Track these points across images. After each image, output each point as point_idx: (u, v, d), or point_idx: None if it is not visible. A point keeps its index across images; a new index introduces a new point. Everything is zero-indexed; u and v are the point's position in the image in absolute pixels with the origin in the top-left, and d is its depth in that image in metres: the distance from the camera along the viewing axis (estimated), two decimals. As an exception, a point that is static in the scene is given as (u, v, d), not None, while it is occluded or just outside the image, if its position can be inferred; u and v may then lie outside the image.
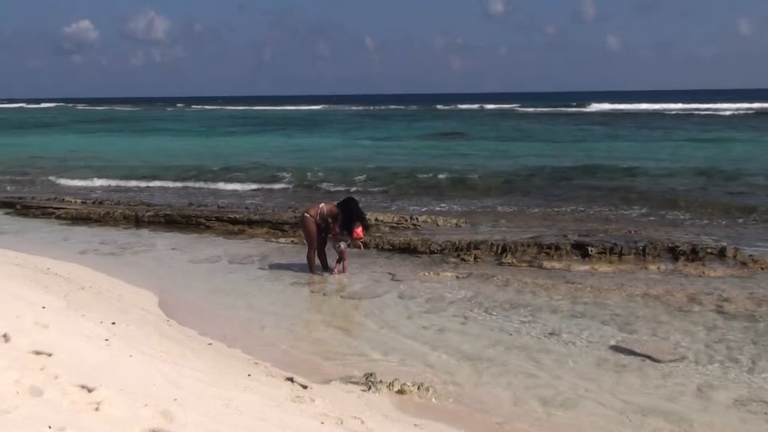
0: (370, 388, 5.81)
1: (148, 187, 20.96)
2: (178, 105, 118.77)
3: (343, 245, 10.10)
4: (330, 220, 10.06)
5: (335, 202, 10.41)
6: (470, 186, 19.08)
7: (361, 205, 10.76)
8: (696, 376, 6.24)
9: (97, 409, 4.30)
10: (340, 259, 10.16)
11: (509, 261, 10.58)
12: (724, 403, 5.70)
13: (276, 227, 13.27)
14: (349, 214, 10.08)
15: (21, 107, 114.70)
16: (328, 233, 10.21)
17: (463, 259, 10.81)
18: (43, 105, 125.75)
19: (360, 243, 10.46)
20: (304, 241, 10.56)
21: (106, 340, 6.26)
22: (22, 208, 16.07)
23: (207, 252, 11.65)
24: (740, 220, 13.70)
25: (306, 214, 10.19)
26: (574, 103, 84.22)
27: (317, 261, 10.26)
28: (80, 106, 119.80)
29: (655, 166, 22.32)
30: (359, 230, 10.08)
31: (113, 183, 21.73)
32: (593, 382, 6.11)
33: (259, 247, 12.04)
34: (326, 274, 10.10)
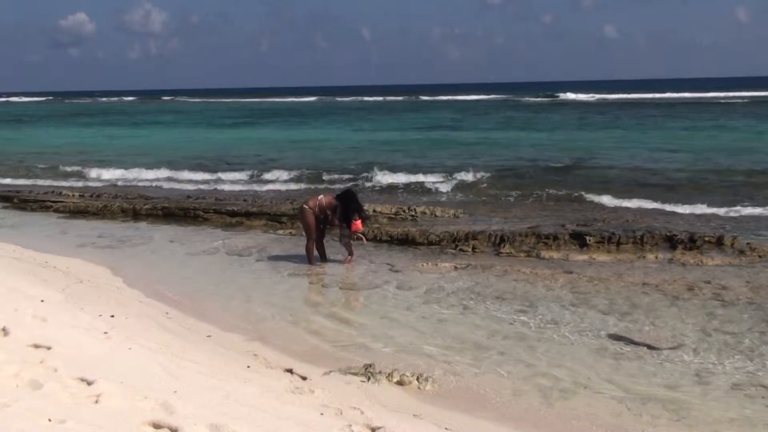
0: (369, 379, 5.82)
1: (139, 183, 20.27)
2: (164, 98, 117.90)
3: (347, 239, 10.14)
4: (329, 212, 10.08)
5: (334, 194, 10.43)
6: (468, 177, 19.04)
7: (359, 196, 10.78)
8: (694, 363, 6.25)
9: (96, 401, 4.31)
10: (349, 252, 10.20)
11: (507, 251, 10.59)
12: (723, 389, 5.72)
13: (274, 219, 13.27)
14: (347, 206, 10.10)
15: (7, 101, 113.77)
16: (327, 225, 10.24)
17: (461, 250, 10.82)
18: (20, 99, 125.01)
19: (360, 235, 10.47)
20: (303, 233, 10.57)
21: (105, 333, 6.26)
22: (19, 202, 16.05)
23: (205, 244, 11.65)
24: (738, 209, 13.68)
25: (305, 206, 10.19)
26: (558, 94, 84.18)
27: (315, 252, 10.26)
28: (66, 100, 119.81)
29: (654, 155, 22.35)
30: (358, 222, 10.11)
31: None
32: (592, 371, 6.13)
33: (257, 238, 12.04)
34: (324, 265, 10.12)
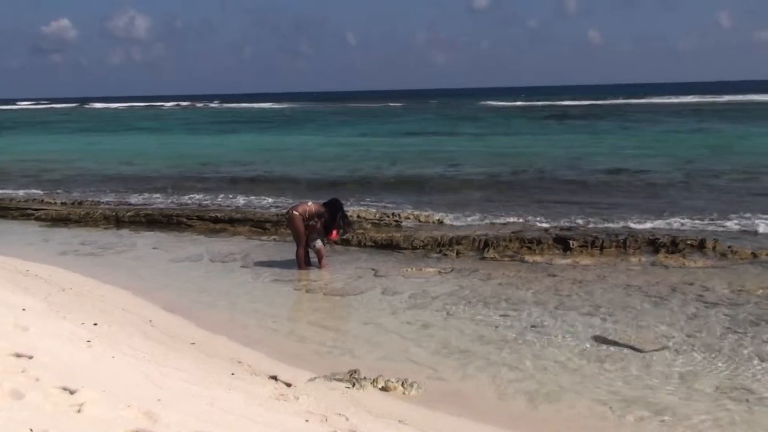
0: (354, 385, 5.81)
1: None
2: (125, 104, 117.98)
3: (318, 243, 10.18)
4: (315, 219, 10.15)
5: (321, 202, 10.49)
6: (452, 182, 19.10)
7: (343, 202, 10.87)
8: (678, 365, 6.30)
9: (79, 411, 4.26)
10: (319, 257, 10.22)
11: (491, 256, 10.61)
12: (707, 391, 5.76)
13: (258, 225, 13.21)
14: (334, 214, 10.24)
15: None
16: (308, 231, 10.32)
17: (445, 255, 10.84)
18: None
19: (333, 242, 10.63)
20: (289, 239, 10.59)
21: (88, 341, 6.21)
22: (0, 210, 15.86)
23: (188, 251, 11.59)
24: (718, 213, 13.78)
25: (294, 213, 10.21)
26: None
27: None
28: (17, 104, 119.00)
29: (635, 160, 22.52)
30: (334, 232, 10.35)
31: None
32: (576, 374, 6.15)
33: (241, 245, 11.99)
34: (309, 271, 10.10)
